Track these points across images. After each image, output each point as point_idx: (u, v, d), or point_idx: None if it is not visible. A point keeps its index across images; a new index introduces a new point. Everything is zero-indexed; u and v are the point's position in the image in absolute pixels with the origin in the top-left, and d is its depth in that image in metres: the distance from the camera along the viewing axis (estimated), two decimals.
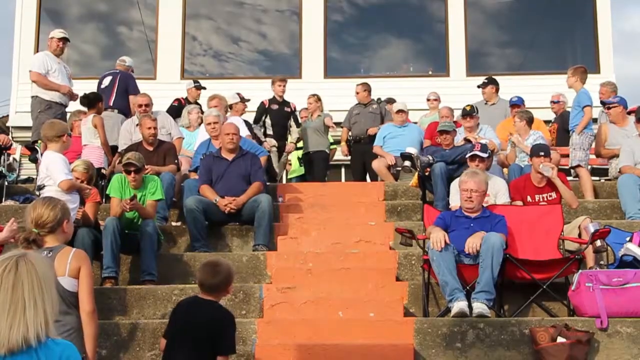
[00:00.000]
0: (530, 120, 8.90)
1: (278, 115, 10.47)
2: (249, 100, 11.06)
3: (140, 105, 8.96)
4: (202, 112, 10.08)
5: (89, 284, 4.20)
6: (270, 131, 10.47)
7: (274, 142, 10.44)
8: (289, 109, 10.50)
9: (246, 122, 9.86)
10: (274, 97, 10.56)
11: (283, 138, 10.74)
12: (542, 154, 7.31)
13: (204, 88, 11.12)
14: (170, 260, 6.91)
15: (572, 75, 8.88)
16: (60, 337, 3.85)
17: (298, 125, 10.80)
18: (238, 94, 10.59)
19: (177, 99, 10.98)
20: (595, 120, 9.76)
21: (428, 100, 11.30)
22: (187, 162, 8.88)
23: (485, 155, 7.31)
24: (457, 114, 9.70)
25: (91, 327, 4.18)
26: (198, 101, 11.00)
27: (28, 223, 4.20)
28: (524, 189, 7.35)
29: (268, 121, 10.46)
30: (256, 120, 10.44)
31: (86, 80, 11.42)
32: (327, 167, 11.32)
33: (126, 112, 9.51)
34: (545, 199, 7.29)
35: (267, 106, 10.48)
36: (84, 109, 9.12)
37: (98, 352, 5.44)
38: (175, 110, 10.62)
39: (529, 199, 7.30)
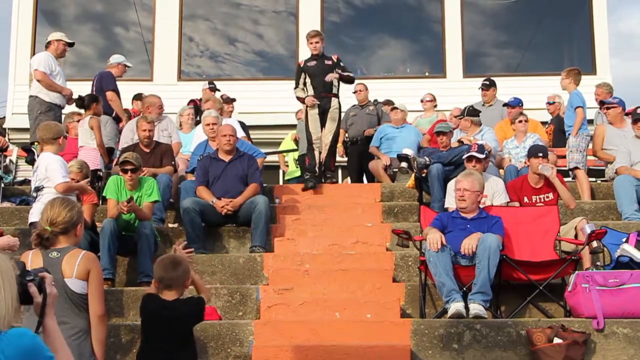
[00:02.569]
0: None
1: (317, 70, 9.04)
2: (234, 100, 11.02)
3: (160, 107, 9.12)
4: (195, 114, 10.10)
5: (99, 287, 4.19)
6: (311, 92, 9.07)
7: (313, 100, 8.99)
8: (330, 62, 9.08)
9: (241, 123, 9.84)
10: (310, 55, 9.29)
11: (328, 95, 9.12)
12: (540, 155, 7.34)
13: (218, 90, 11.10)
14: None
15: (565, 77, 8.91)
16: (69, 340, 3.87)
17: (348, 71, 9.28)
18: (222, 95, 10.54)
19: (193, 100, 10.94)
20: (591, 122, 9.79)
21: (422, 101, 11.29)
22: (184, 163, 8.90)
23: (481, 155, 7.32)
24: None
25: (101, 331, 4.18)
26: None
27: (43, 221, 4.19)
28: (520, 190, 7.37)
29: (308, 81, 9.08)
30: (296, 84, 9.20)
31: (82, 82, 11.38)
32: None
33: (107, 111, 9.22)
34: (542, 200, 7.31)
35: (302, 65, 9.22)
36: (78, 110, 9.10)
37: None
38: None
39: (525, 199, 7.32)
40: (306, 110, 9.11)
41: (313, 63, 9.12)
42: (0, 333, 2.32)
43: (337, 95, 9.10)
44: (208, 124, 8.52)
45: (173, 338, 4.45)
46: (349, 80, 9.28)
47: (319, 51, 9.13)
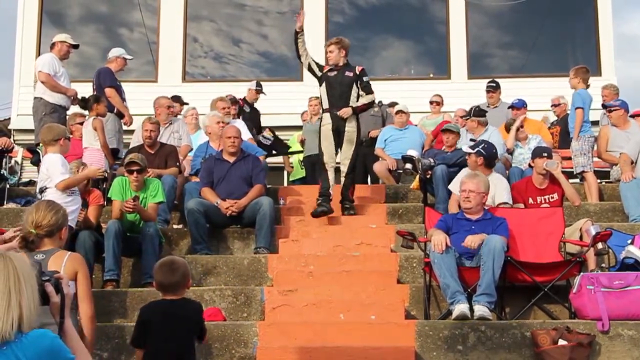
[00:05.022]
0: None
1: (335, 81, 8.04)
2: (238, 102, 11.02)
3: (168, 107, 9.15)
4: (238, 114, 10.11)
5: (87, 288, 4.20)
6: (326, 104, 8.07)
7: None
8: (350, 73, 8.05)
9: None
10: (334, 65, 8.18)
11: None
12: (545, 154, 7.34)
13: (264, 93, 11.09)
14: None
15: (574, 77, 8.90)
16: None
17: (369, 90, 8.11)
18: (227, 95, 10.52)
19: (237, 101, 10.94)
20: (597, 123, 9.77)
21: (431, 103, 11.32)
22: (190, 165, 8.93)
23: (470, 150, 7.34)
24: None
25: (90, 331, 4.18)
26: (255, 104, 11.02)
27: (28, 223, 4.18)
28: (525, 191, 7.36)
29: (324, 90, 8.09)
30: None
31: (86, 83, 11.39)
32: None
33: (109, 108, 9.16)
34: (547, 201, 7.30)
35: (324, 71, 8.17)
36: (80, 112, 9.08)
37: (99, 354, 5.49)
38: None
39: (530, 200, 7.31)
40: (319, 128, 8.19)
41: (333, 73, 8.11)
42: (22, 335, 2.33)
43: (354, 113, 8.00)
44: (218, 122, 8.51)
45: (181, 338, 4.44)
46: (368, 107, 8.37)
47: (335, 61, 8.08)
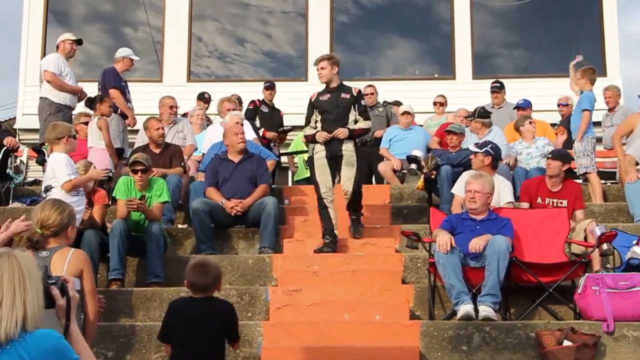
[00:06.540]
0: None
1: (330, 105, 7.17)
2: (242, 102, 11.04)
3: (171, 107, 9.13)
4: (254, 115, 10.08)
5: (92, 286, 4.22)
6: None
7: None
8: (347, 95, 7.18)
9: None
10: (325, 86, 7.35)
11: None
12: (565, 160, 7.34)
13: (273, 86, 11.13)
14: (176, 262, 6.91)
15: (581, 78, 8.86)
16: None
17: (366, 116, 7.28)
18: (233, 95, 10.53)
19: (252, 101, 10.95)
20: (598, 124, 9.74)
21: (435, 104, 11.32)
22: (195, 166, 8.94)
23: (478, 150, 7.32)
24: None
25: (92, 329, 4.21)
26: (273, 101, 11.07)
27: (34, 223, 4.20)
28: (536, 190, 7.30)
29: (318, 118, 7.23)
30: (306, 122, 7.36)
31: (92, 83, 11.42)
32: None
33: (113, 108, 9.25)
34: (555, 204, 7.21)
35: (314, 99, 7.31)
36: (86, 111, 9.10)
37: (104, 353, 5.51)
38: (251, 113, 10.57)
39: (539, 200, 7.25)
40: (311, 157, 7.33)
41: (326, 97, 7.23)
42: (26, 334, 2.33)
43: (352, 137, 7.16)
44: (237, 123, 8.51)
45: (204, 337, 4.45)
46: (364, 134, 7.53)
47: (327, 79, 7.21)
